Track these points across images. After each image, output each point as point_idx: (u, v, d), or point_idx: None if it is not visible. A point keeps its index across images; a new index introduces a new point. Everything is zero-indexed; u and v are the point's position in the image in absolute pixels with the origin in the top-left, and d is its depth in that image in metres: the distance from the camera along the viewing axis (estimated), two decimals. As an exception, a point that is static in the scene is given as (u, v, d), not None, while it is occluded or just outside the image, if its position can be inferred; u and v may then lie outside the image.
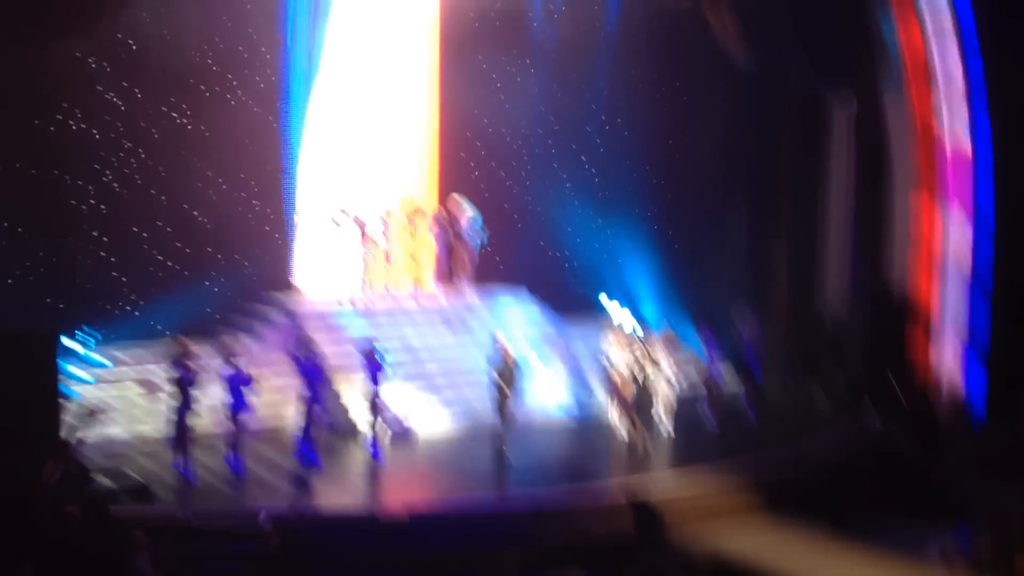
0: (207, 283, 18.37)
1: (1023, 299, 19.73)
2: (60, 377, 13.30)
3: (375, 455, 15.72)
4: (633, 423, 16.60)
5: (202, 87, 18.26)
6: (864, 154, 20.98)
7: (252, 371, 15.07)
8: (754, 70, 20.45)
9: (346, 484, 14.98)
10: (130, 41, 17.39)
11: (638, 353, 16.69)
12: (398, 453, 16.19)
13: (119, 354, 17.15)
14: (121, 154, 17.70)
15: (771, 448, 16.59)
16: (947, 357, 19.71)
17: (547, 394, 18.63)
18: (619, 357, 17.27)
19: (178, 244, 18.17)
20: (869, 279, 20.77)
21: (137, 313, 17.79)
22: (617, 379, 17.21)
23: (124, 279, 17.76)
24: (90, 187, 17.48)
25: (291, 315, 18.35)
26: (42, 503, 11.99)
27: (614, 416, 17.56)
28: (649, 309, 22.15)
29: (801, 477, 15.80)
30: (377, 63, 20.66)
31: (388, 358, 15.87)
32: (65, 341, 15.53)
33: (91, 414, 13.72)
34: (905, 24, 19.67)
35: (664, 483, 14.91)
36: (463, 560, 13.19)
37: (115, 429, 15.76)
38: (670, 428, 17.83)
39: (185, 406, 14.45)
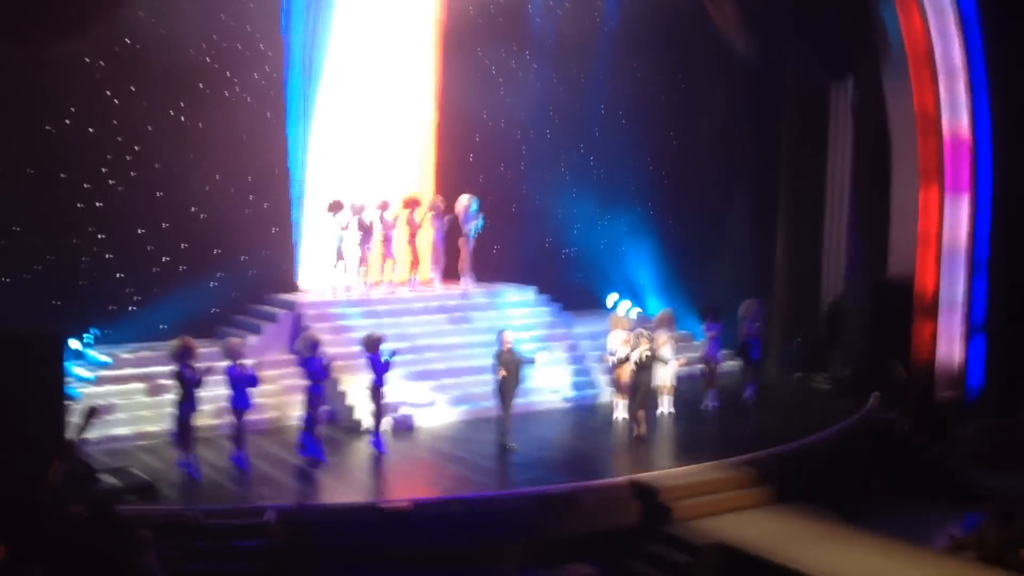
0: (210, 281, 18.38)
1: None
2: (64, 377, 13.31)
3: (378, 449, 15.74)
4: (635, 410, 16.59)
5: (201, 85, 18.24)
6: (865, 143, 20.98)
7: (256, 368, 15.07)
8: (755, 61, 20.44)
9: (350, 478, 15.00)
10: (128, 40, 17.35)
11: (639, 339, 16.69)
12: (401, 446, 16.21)
13: (123, 353, 17.17)
14: (121, 153, 17.67)
15: (775, 436, 16.58)
16: (950, 344, 19.71)
17: (550, 385, 18.63)
18: (620, 344, 17.27)
19: (180, 242, 18.16)
20: (871, 267, 20.77)
21: (140, 312, 17.78)
22: (618, 366, 17.22)
23: (126, 278, 17.75)
24: (91, 186, 17.46)
25: (293, 311, 18.34)
26: (49, 503, 12.03)
27: (617, 405, 17.58)
28: (652, 300, 22.19)
29: (805, 464, 15.81)
30: (377, 57, 20.63)
31: (390, 351, 15.87)
32: (69, 341, 15.57)
33: (95, 413, 13.76)
34: (906, 12, 19.64)
35: (668, 472, 14.92)
36: (467, 552, 13.23)
37: (120, 428, 15.78)
38: (671, 411, 17.86)
39: (189, 404, 14.45)
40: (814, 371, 20.85)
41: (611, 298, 21.84)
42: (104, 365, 16.88)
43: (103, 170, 17.55)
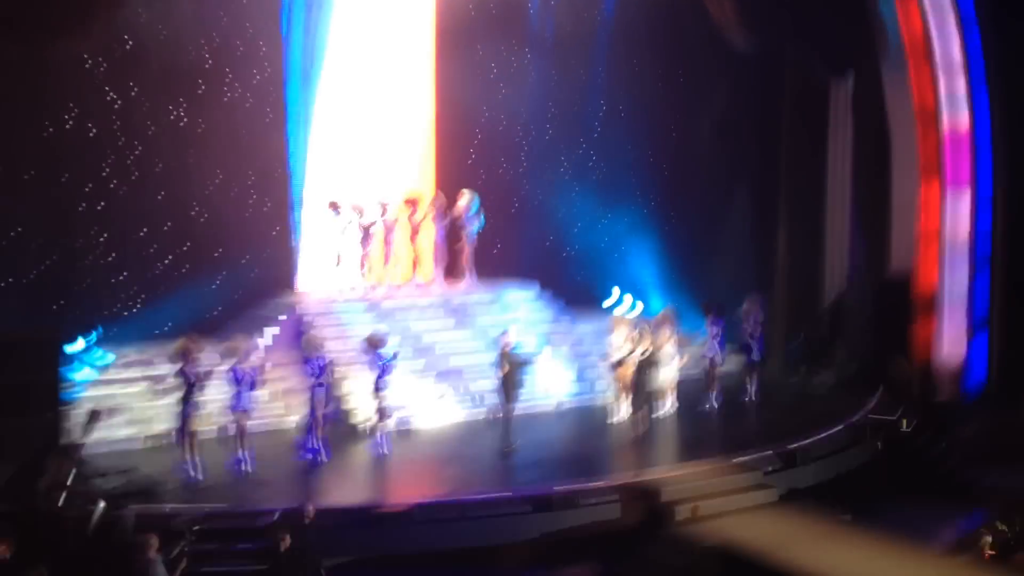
0: (211, 282, 18.37)
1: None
2: (65, 378, 13.32)
3: (380, 449, 15.74)
4: (635, 409, 16.59)
5: (202, 85, 18.23)
6: (866, 139, 20.99)
7: (257, 369, 15.07)
8: (755, 58, 20.43)
9: (352, 479, 15.01)
10: (129, 40, 17.34)
11: (641, 337, 16.68)
12: (403, 447, 16.22)
13: (124, 354, 17.16)
14: (123, 153, 17.67)
15: (776, 435, 16.58)
16: (952, 342, 19.72)
17: (552, 385, 18.64)
18: (621, 343, 17.29)
19: (181, 243, 18.16)
20: (872, 264, 20.77)
21: (142, 313, 17.78)
22: (620, 365, 17.23)
23: (128, 279, 17.75)
24: (92, 187, 17.46)
25: (295, 311, 18.34)
26: (52, 505, 12.05)
27: (619, 404, 17.58)
28: (653, 297, 22.18)
29: (807, 463, 15.81)
30: (375, 55, 20.62)
31: (392, 351, 15.88)
32: (70, 342, 15.58)
33: (97, 415, 13.76)
34: (905, 8, 19.64)
35: (669, 473, 14.92)
36: (468, 554, 13.24)
37: (122, 430, 15.78)
38: (673, 411, 17.86)
39: (191, 405, 14.46)
40: (816, 369, 20.83)
41: (612, 296, 21.83)
42: (106, 366, 16.88)
43: (105, 171, 17.55)
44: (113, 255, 17.70)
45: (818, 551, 13.09)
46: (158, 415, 15.93)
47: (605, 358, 17.91)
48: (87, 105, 17.28)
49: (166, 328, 17.36)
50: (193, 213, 18.28)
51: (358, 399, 16.89)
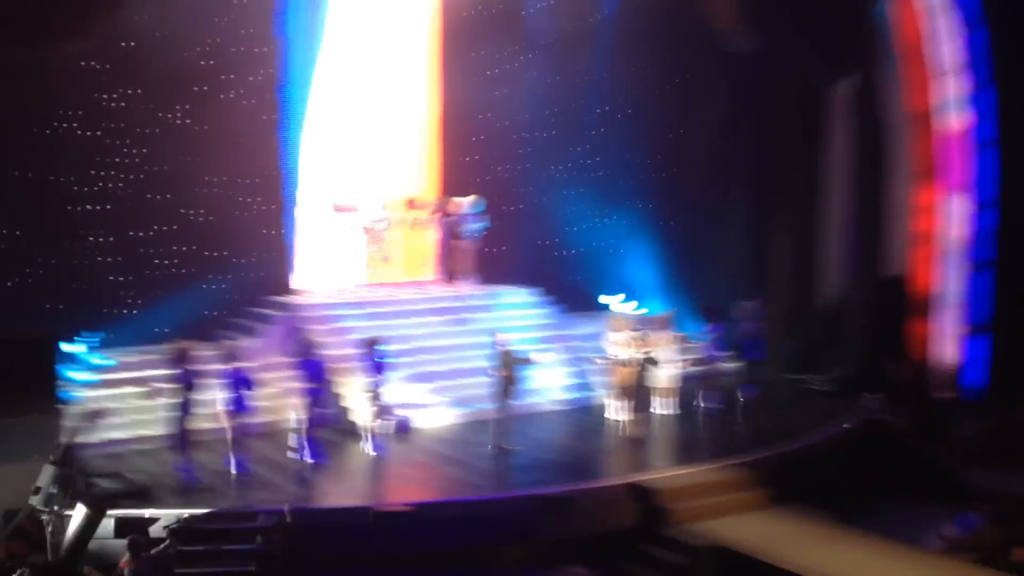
0: (207, 284, 18.38)
1: (1022, 282, 19.74)
2: (63, 379, 13.32)
3: (376, 451, 15.73)
4: (633, 411, 16.56)
5: (198, 86, 18.23)
6: (863, 141, 20.99)
7: (253, 371, 15.06)
8: (752, 57, 20.43)
9: (348, 481, 15.00)
10: (124, 42, 17.36)
11: (640, 338, 16.67)
12: (399, 448, 16.20)
13: (120, 356, 17.15)
14: (120, 155, 17.69)
15: (773, 437, 16.56)
16: (947, 343, 19.70)
17: (549, 387, 18.62)
18: (619, 345, 17.28)
19: (178, 245, 18.17)
20: (869, 266, 20.77)
21: (138, 315, 17.79)
22: (616, 367, 17.22)
23: (124, 281, 17.75)
24: (89, 189, 17.47)
25: (292, 313, 18.33)
26: (43, 507, 12.05)
27: (615, 406, 17.57)
28: (652, 298, 22.17)
29: (803, 465, 15.79)
30: (376, 58, 20.63)
31: (389, 353, 15.87)
32: (66, 344, 15.58)
33: (92, 417, 13.76)
34: (902, 10, 19.64)
35: (666, 474, 14.90)
36: (465, 555, 13.22)
37: (117, 432, 15.77)
38: (670, 413, 17.84)
39: (186, 407, 14.46)
40: (812, 371, 20.82)
41: (611, 298, 21.82)
42: (103, 368, 16.87)
43: (100, 173, 17.57)
44: (111, 256, 17.71)
45: (815, 551, 13.11)
46: (153, 417, 15.90)
47: (604, 359, 17.88)
48: (86, 106, 17.31)
49: (164, 329, 17.37)
50: (191, 214, 18.29)
51: (355, 400, 16.87)
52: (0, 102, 16.21)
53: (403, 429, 16.97)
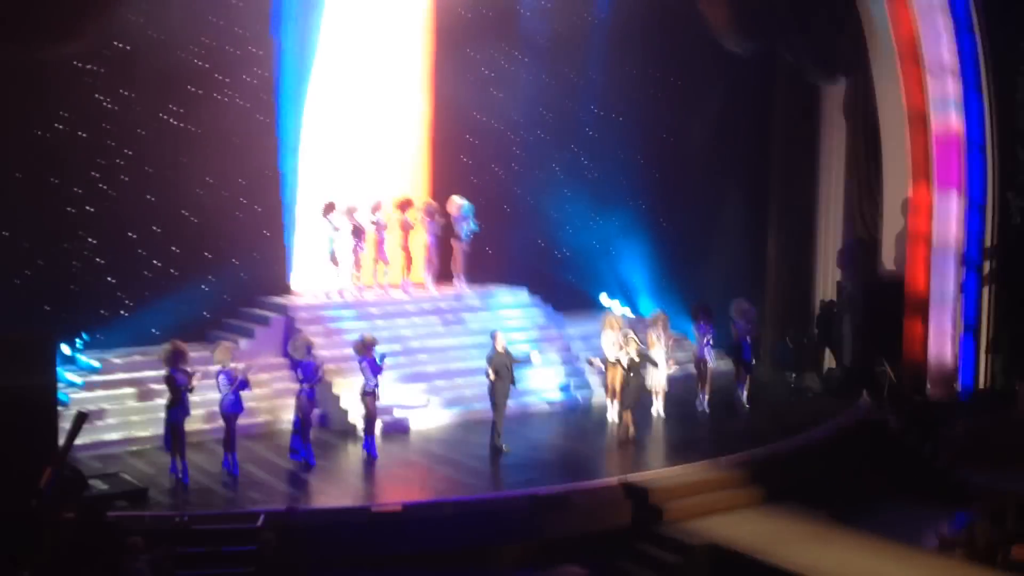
0: (201, 285, 18.34)
1: (1018, 282, 19.78)
2: (55, 382, 13.28)
3: (371, 452, 15.73)
4: (626, 411, 16.58)
5: (193, 87, 18.19)
6: (857, 141, 21.02)
7: (247, 372, 15.06)
8: (746, 58, 20.45)
9: (342, 481, 15.00)
10: (120, 43, 17.31)
11: (632, 339, 16.69)
12: (393, 449, 16.21)
13: (113, 358, 17.15)
14: (112, 156, 17.63)
15: (766, 436, 16.60)
16: (941, 343, 19.74)
17: (543, 387, 18.63)
18: (613, 345, 17.30)
19: (171, 246, 18.12)
20: (862, 266, 20.81)
21: (131, 316, 17.75)
22: (610, 367, 17.24)
23: (118, 283, 17.72)
24: (82, 190, 17.42)
25: (285, 315, 18.32)
26: (39, 509, 12.01)
27: (609, 406, 17.60)
28: (645, 299, 22.21)
29: (797, 464, 15.83)
30: (369, 58, 20.62)
31: (383, 354, 15.87)
32: (60, 346, 15.56)
33: (86, 419, 13.71)
34: (896, 10, 19.67)
35: (659, 473, 14.93)
36: (460, 555, 13.24)
37: (110, 433, 15.77)
38: (664, 412, 17.87)
39: (180, 409, 14.45)
40: (806, 370, 20.85)
41: (603, 299, 21.87)
42: (94, 370, 16.87)
43: (94, 174, 17.51)
44: (103, 259, 17.66)
45: (809, 550, 13.15)
46: (146, 419, 15.93)
47: (596, 359, 17.90)
48: (78, 108, 17.24)
49: (156, 331, 17.36)
50: (184, 216, 18.24)
51: (348, 402, 16.87)
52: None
53: (398, 429, 16.97)
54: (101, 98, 17.47)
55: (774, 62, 21.29)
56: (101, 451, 15.29)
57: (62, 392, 14.88)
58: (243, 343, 17.49)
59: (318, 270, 19.52)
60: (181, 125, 18.14)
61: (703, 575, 13.32)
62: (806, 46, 20.08)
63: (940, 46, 19.60)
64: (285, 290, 19.44)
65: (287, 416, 16.30)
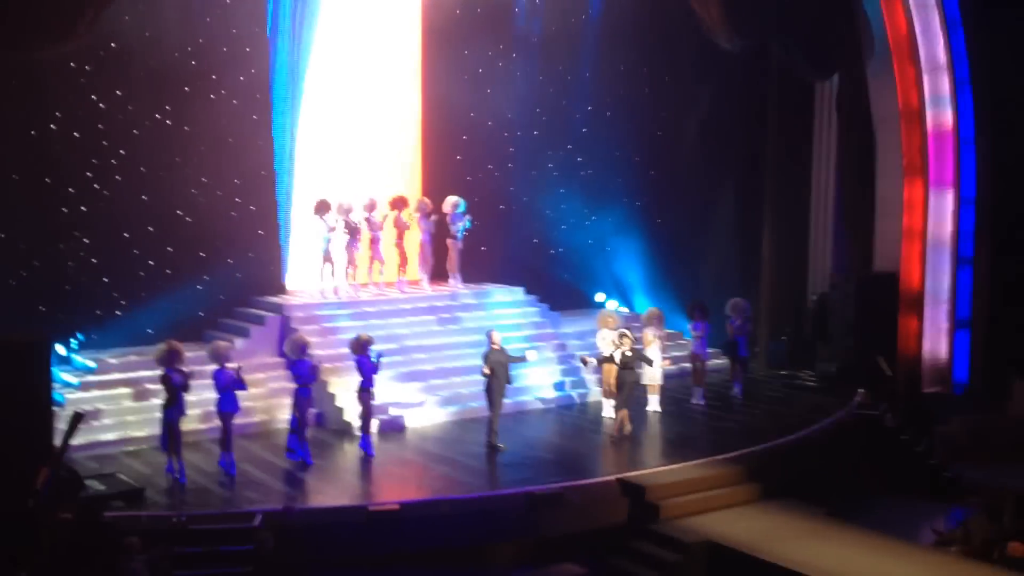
0: (196, 285, 18.33)
1: (1011, 278, 19.84)
2: (51, 383, 13.27)
3: (367, 451, 15.74)
4: (622, 409, 16.60)
5: (187, 87, 18.19)
6: (851, 138, 21.04)
7: (243, 372, 15.05)
8: (739, 55, 20.47)
9: (338, 480, 14.98)
10: (114, 43, 17.30)
11: (623, 338, 16.70)
12: (390, 448, 16.21)
13: (109, 358, 17.14)
14: (107, 157, 17.62)
15: (762, 433, 16.63)
16: (936, 339, 19.79)
17: (538, 385, 18.65)
18: (607, 343, 17.31)
19: (166, 246, 18.11)
20: (857, 263, 20.84)
21: (126, 316, 17.74)
22: (605, 365, 17.25)
23: (112, 283, 17.70)
24: (76, 190, 17.41)
25: (281, 314, 18.31)
26: (35, 509, 12.00)
27: (605, 404, 17.61)
28: (640, 296, 22.22)
29: (792, 461, 15.85)
30: (363, 58, 20.61)
31: (379, 352, 15.88)
32: (55, 347, 15.53)
33: (82, 419, 13.70)
34: (890, 7, 19.72)
35: (655, 470, 14.95)
36: (456, 554, 13.25)
37: (106, 434, 15.75)
38: (659, 410, 17.89)
39: (176, 409, 14.44)
40: (801, 367, 20.89)
41: (598, 297, 21.90)
42: (90, 370, 16.85)
43: (88, 174, 17.51)
44: (97, 259, 17.64)
45: (805, 546, 13.17)
46: (142, 419, 15.91)
47: (590, 358, 17.90)
48: (71, 108, 17.24)
49: (151, 331, 17.35)
50: (179, 215, 18.24)
51: (344, 401, 16.87)
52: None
53: (394, 428, 16.97)
54: (95, 98, 17.45)
55: (767, 59, 21.31)
56: (97, 451, 15.28)
57: (58, 392, 14.86)
58: (239, 343, 17.48)
59: (313, 269, 19.51)
60: (175, 124, 18.13)
61: (700, 572, 13.33)
62: (799, 43, 20.08)
63: (934, 42, 19.66)
64: (280, 289, 19.44)
65: (283, 415, 16.31)
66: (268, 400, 16.86)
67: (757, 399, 19.00)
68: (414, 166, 21.42)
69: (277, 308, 18.49)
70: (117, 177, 17.70)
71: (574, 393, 18.90)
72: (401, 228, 20.07)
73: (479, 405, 16.78)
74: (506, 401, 16.36)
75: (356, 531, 13.08)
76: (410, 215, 20.10)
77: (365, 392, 15.68)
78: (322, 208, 19.10)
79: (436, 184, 20.96)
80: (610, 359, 16.94)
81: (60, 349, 16.60)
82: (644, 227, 22.45)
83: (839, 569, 12.60)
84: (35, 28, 14.65)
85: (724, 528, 13.75)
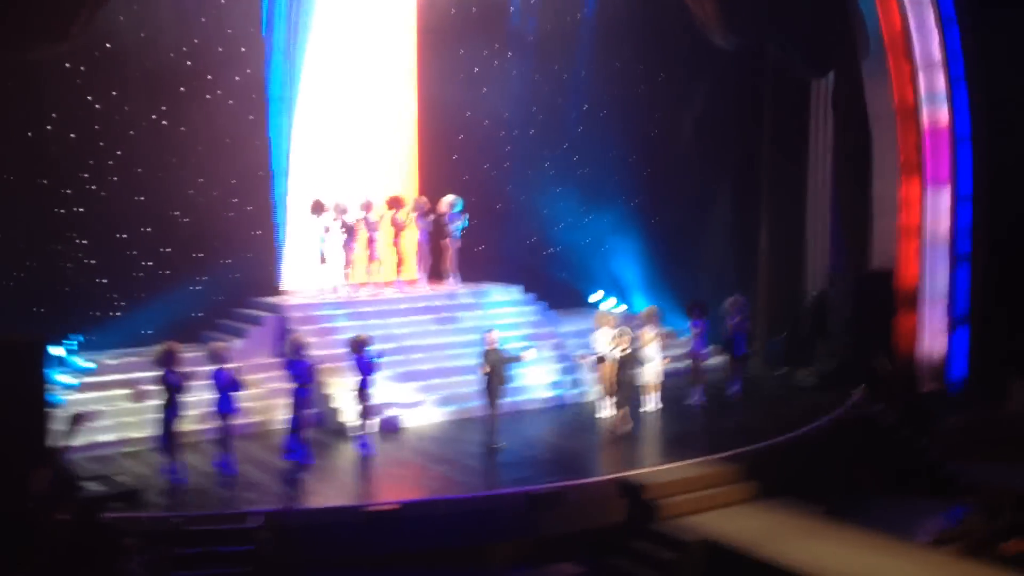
0: (193, 285, 18.33)
1: (1008, 276, 19.86)
2: (47, 384, 13.25)
3: (365, 451, 15.73)
4: (618, 408, 16.60)
5: (183, 88, 18.19)
6: (847, 136, 21.06)
7: (241, 372, 15.04)
8: (734, 53, 20.48)
9: (337, 481, 14.98)
10: (109, 44, 17.31)
11: (621, 336, 16.71)
12: (388, 448, 16.20)
13: (106, 359, 17.12)
14: (103, 157, 17.62)
15: (760, 431, 16.62)
16: (933, 336, 19.81)
17: (535, 384, 18.65)
18: (605, 342, 17.31)
19: (163, 247, 18.11)
20: (854, 260, 20.85)
21: (123, 317, 17.73)
22: (603, 363, 17.25)
23: (109, 284, 17.69)
24: (72, 191, 17.40)
25: (278, 314, 18.31)
26: (33, 510, 11.99)
27: (603, 403, 17.61)
28: (637, 295, 22.23)
29: (790, 459, 15.86)
30: (359, 58, 20.61)
31: (377, 352, 15.87)
32: (51, 347, 15.50)
33: (80, 420, 13.71)
34: (885, 5, 19.73)
35: (654, 469, 14.94)
36: (455, 553, 13.24)
37: (104, 434, 15.73)
38: (657, 408, 17.90)
39: (174, 409, 14.43)
40: (799, 365, 20.90)
41: (596, 296, 21.90)
42: (87, 371, 16.83)
43: (85, 175, 17.51)
44: (94, 260, 17.63)
45: (803, 545, 13.17)
46: (140, 420, 15.88)
47: (588, 356, 17.91)
48: (67, 109, 17.24)
49: (148, 332, 17.34)
50: (175, 216, 18.23)
51: (342, 401, 16.86)
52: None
53: (392, 428, 16.97)
54: (91, 99, 17.44)
55: (762, 57, 21.33)
56: (95, 452, 15.25)
57: (56, 394, 14.83)
58: (236, 343, 17.48)
59: (310, 269, 19.51)
60: (171, 125, 18.12)
61: (698, 571, 13.32)
62: (794, 41, 20.11)
63: (929, 39, 19.66)
64: (278, 290, 19.43)
65: (281, 416, 16.29)
66: (266, 400, 16.83)
67: (755, 398, 19.01)
68: (410, 166, 21.42)
69: (275, 308, 18.48)
70: (113, 178, 17.69)
71: (572, 392, 18.90)
72: (398, 227, 20.07)
73: (477, 405, 16.77)
74: (504, 400, 16.35)
75: (355, 531, 13.07)
76: (407, 215, 20.09)
77: (363, 392, 15.68)
78: (318, 208, 19.09)
79: (433, 184, 20.96)
80: (608, 358, 16.92)
81: (59, 351, 16.56)
82: (641, 226, 22.46)
83: (838, 567, 12.61)
84: (30, 29, 14.64)
85: (723, 527, 13.75)
